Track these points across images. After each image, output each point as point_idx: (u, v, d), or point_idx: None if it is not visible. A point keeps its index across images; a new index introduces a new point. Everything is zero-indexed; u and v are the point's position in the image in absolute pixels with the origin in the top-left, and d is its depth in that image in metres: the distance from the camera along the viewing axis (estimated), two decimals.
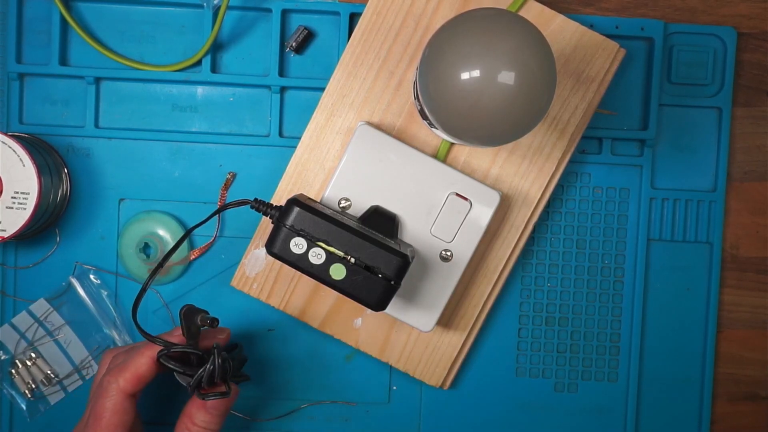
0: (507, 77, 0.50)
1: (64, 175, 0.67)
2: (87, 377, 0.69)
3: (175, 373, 0.59)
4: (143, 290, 0.59)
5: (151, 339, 0.59)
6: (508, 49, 0.50)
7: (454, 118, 0.53)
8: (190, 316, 0.59)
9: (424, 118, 0.60)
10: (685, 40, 0.69)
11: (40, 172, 0.62)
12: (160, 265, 0.60)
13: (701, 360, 0.70)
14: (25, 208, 0.62)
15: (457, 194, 0.62)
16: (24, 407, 0.69)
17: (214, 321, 0.59)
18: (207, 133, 0.68)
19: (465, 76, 0.50)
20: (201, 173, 0.68)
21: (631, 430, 0.70)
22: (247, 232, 0.68)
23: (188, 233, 0.61)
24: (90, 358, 0.69)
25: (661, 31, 0.68)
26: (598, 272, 0.70)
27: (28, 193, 0.62)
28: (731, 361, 0.71)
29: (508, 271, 0.67)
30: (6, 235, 0.62)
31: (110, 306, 0.69)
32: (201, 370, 0.58)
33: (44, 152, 0.65)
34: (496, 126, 0.52)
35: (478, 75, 0.50)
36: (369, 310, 0.66)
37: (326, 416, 0.70)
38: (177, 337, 0.60)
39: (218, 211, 0.61)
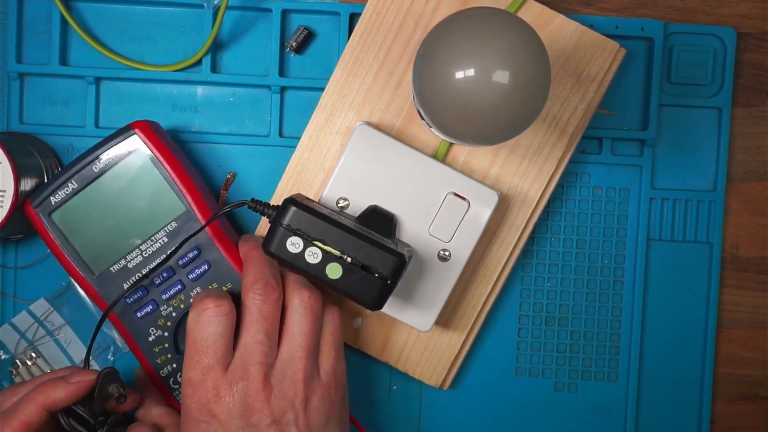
0: (501, 76, 0.50)
1: None
2: None
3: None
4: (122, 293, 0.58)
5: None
6: (503, 48, 0.50)
7: (448, 118, 0.53)
8: (107, 380, 0.58)
9: (422, 118, 0.60)
10: (685, 40, 0.69)
11: (17, 169, 0.61)
12: (146, 277, 0.60)
13: (701, 360, 0.70)
14: (1, 206, 0.61)
15: (455, 194, 0.62)
16: None
17: (122, 396, 0.58)
18: (207, 133, 0.68)
19: (459, 75, 0.50)
20: (201, 173, 0.68)
21: (631, 430, 0.70)
22: (246, 232, 0.68)
23: (188, 239, 0.61)
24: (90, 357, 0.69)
25: (661, 31, 0.68)
26: (598, 272, 0.70)
27: (5, 191, 0.61)
28: (731, 361, 0.70)
29: (507, 271, 0.67)
30: None
31: None
32: None
33: (44, 152, 0.65)
34: (490, 125, 0.52)
35: (473, 74, 0.50)
36: (368, 310, 0.66)
37: None
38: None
39: (216, 216, 0.60)
